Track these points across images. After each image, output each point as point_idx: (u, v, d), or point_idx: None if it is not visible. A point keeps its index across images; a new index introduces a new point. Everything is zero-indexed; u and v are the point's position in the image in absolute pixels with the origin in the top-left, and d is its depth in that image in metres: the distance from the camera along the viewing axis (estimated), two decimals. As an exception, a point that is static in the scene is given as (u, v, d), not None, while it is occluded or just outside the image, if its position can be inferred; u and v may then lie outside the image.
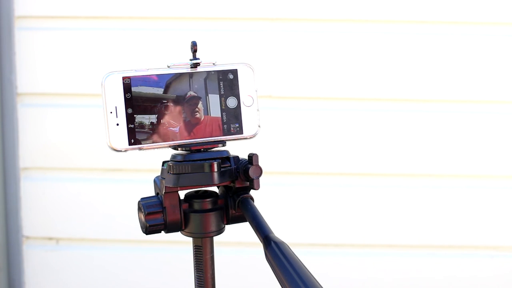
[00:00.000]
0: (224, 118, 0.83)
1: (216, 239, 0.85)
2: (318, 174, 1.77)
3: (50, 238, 1.83)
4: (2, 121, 1.78)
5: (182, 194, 0.84)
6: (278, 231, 0.79)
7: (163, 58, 1.61)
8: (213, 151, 0.82)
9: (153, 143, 0.80)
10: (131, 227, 1.70)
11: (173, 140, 0.81)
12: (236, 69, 0.84)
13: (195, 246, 0.85)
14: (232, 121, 0.83)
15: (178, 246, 1.77)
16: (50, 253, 1.83)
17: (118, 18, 1.74)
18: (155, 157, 1.02)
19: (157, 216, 0.82)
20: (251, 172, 0.80)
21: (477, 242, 1.79)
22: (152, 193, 0.86)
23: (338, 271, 1.80)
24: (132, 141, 0.79)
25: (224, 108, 0.83)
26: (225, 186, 0.85)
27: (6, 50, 1.75)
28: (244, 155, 0.84)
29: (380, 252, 1.80)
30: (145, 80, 0.80)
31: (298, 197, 1.78)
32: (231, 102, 0.83)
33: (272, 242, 0.74)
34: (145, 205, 0.82)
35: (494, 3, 1.71)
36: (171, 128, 0.81)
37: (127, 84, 0.79)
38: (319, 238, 1.80)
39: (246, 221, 0.82)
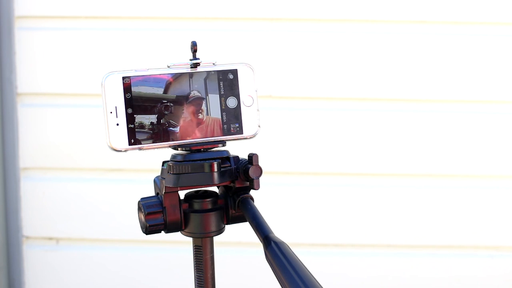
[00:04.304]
0: (224, 118, 0.83)
1: (216, 239, 0.85)
2: (318, 174, 1.77)
3: (50, 238, 1.83)
4: (2, 121, 1.78)
5: (182, 194, 0.84)
6: (278, 231, 0.79)
7: (163, 58, 1.61)
8: (213, 151, 0.82)
9: (153, 143, 0.80)
10: (131, 227, 1.70)
11: (173, 140, 0.81)
12: (236, 69, 0.84)
13: (195, 246, 0.85)
14: (232, 121, 0.83)
15: (178, 246, 1.77)
16: (50, 253, 1.83)
17: (118, 18, 1.74)
18: (155, 157, 1.02)
19: (157, 216, 0.82)
20: (251, 172, 0.80)
21: (477, 242, 1.79)
22: (152, 193, 0.86)
23: (338, 271, 1.80)
24: (132, 141, 0.79)
25: (224, 108, 0.83)
26: (225, 186, 0.85)
27: (6, 50, 1.75)
28: (244, 155, 0.84)
29: (380, 252, 1.80)
30: (145, 80, 0.80)
31: (298, 197, 1.78)
32: (231, 102, 0.83)
33: (272, 242, 0.74)
34: (145, 205, 0.82)
35: (494, 3, 1.71)
36: (171, 128, 0.81)
37: (127, 84, 0.79)
38: (319, 238, 1.80)
39: (246, 221, 0.82)
